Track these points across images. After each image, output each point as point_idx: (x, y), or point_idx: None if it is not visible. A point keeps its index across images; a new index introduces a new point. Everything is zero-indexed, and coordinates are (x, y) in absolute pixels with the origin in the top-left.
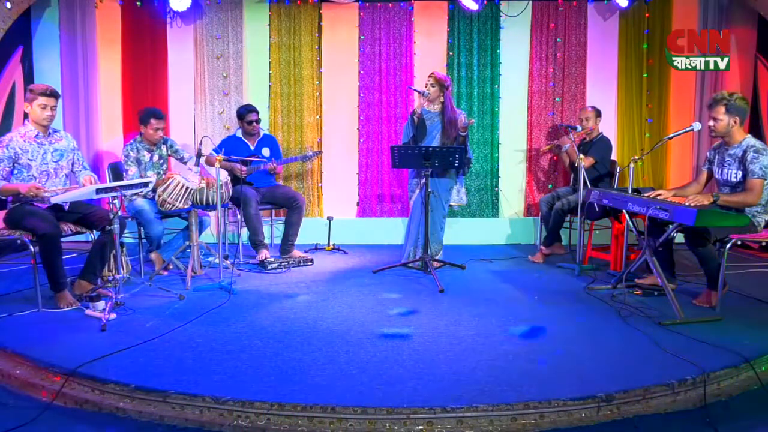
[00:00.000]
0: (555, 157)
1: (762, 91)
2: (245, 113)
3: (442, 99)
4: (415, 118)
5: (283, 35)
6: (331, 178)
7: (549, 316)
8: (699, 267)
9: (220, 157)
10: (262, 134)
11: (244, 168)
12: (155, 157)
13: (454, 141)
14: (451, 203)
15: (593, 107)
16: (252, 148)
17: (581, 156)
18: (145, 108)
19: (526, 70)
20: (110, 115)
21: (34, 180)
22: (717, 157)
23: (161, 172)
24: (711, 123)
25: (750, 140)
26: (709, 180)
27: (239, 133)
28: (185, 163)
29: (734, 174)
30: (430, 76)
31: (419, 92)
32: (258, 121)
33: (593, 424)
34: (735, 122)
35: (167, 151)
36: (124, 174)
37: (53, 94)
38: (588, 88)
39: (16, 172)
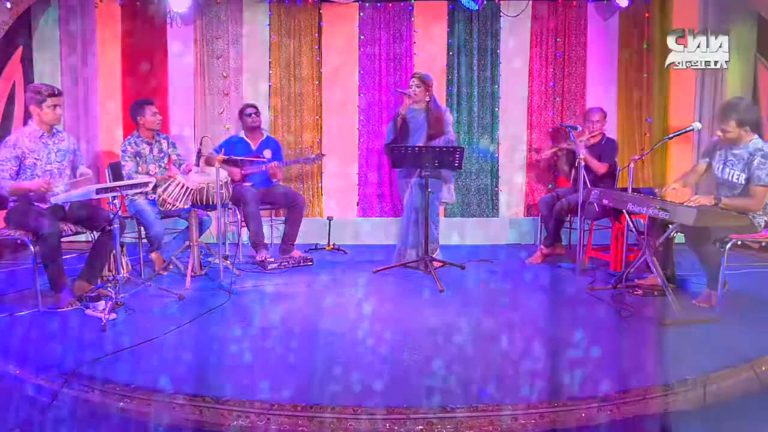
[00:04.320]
0: (555, 158)
1: (762, 91)
2: (243, 108)
3: (427, 98)
4: (399, 119)
5: (283, 35)
6: (331, 178)
7: (549, 316)
8: (699, 267)
9: (221, 157)
10: (265, 135)
11: (237, 177)
12: (155, 151)
13: (440, 137)
14: (442, 200)
15: (601, 109)
16: (254, 148)
17: (581, 156)
18: (135, 101)
19: (526, 70)
20: (110, 115)
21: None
22: (719, 152)
23: (162, 165)
24: (720, 134)
25: (758, 142)
26: (707, 170)
27: (242, 134)
28: (179, 166)
29: (736, 175)
30: (414, 77)
31: (404, 93)
32: (257, 114)
33: (593, 424)
34: (746, 131)
35: (168, 147)
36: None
37: (60, 93)
38: (588, 88)
39: (20, 172)
